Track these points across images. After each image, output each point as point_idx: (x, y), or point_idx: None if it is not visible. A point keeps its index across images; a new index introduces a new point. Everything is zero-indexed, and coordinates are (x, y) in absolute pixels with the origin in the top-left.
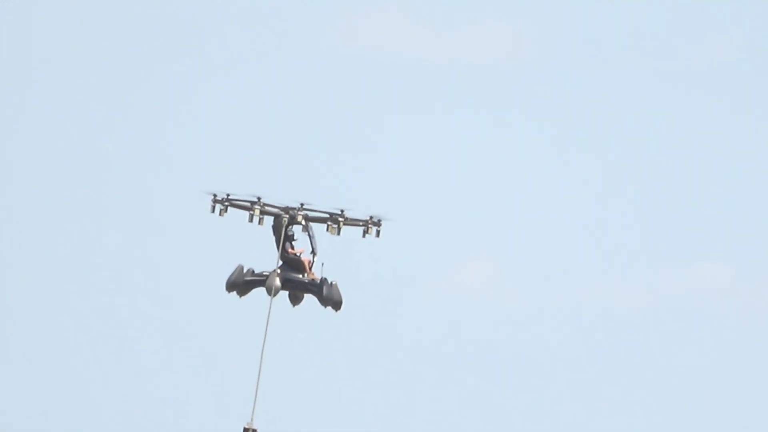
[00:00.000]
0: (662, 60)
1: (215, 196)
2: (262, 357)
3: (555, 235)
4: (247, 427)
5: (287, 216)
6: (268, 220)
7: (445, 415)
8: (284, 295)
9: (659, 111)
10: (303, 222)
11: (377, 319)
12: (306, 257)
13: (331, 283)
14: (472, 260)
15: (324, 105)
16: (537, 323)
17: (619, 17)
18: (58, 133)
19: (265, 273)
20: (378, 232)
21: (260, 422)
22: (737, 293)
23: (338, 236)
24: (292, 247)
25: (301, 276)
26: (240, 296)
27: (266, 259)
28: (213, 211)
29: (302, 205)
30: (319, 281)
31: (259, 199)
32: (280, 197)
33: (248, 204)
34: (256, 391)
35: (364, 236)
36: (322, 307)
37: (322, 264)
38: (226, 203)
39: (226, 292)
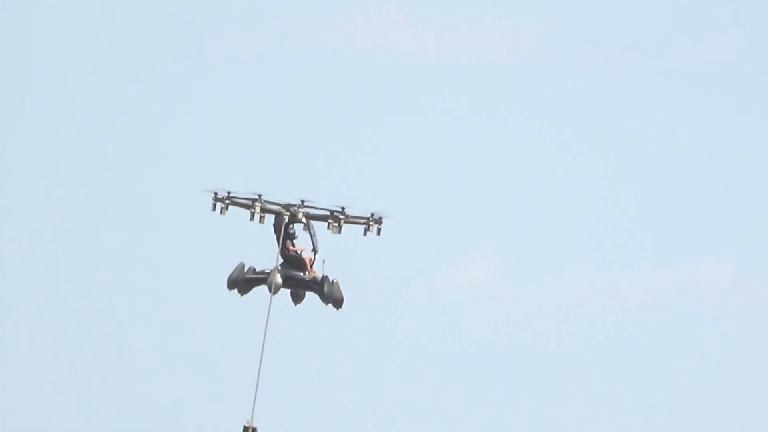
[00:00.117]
0: (662, 60)
1: (216, 194)
2: (262, 355)
3: (555, 234)
4: (247, 425)
5: (288, 213)
6: (269, 219)
7: (445, 414)
8: (286, 293)
9: (659, 110)
10: (304, 220)
11: (378, 317)
12: (307, 255)
13: (333, 281)
14: (473, 259)
15: (324, 104)
16: (537, 322)
17: (619, 17)
18: (58, 133)
19: (266, 271)
20: (379, 230)
21: (260, 421)
22: (737, 292)
23: (339, 234)
24: (293, 245)
25: (302, 274)
26: (241, 294)
27: (267, 257)
28: (214, 209)
29: (303, 202)
30: (320, 279)
31: (260, 196)
32: (281, 196)
33: (249, 202)
34: (256, 390)
35: (365, 234)
36: (323, 305)
37: (323, 262)
38: (227, 201)
39: (227, 290)
